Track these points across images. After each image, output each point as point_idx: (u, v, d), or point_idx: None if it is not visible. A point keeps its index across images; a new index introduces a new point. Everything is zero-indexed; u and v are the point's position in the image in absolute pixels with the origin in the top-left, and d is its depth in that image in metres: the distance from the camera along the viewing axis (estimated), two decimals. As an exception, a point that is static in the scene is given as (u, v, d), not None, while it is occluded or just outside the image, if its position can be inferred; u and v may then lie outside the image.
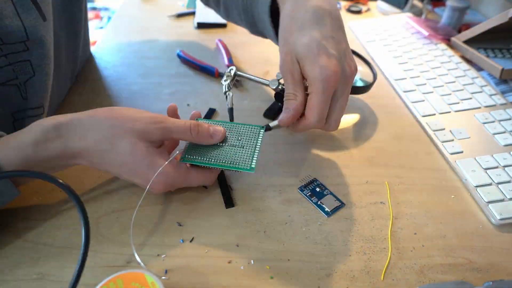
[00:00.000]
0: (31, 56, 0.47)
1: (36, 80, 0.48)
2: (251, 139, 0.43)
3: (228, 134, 0.43)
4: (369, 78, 0.59)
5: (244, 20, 0.56)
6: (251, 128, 0.44)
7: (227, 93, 0.49)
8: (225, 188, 0.45)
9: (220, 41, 0.74)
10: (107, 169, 0.40)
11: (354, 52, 0.63)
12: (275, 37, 0.49)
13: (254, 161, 0.41)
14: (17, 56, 0.46)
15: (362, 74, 0.60)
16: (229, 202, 0.44)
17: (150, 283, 0.32)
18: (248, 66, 0.69)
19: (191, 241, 0.40)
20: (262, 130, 0.44)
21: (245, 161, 0.41)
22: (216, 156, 0.42)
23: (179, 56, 0.70)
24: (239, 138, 0.43)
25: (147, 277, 0.33)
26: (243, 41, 0.76)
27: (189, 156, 0.42)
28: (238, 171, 0.41)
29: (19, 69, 0.47)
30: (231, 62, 0.69)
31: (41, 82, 0.49)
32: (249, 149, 0.42)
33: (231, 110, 0.47)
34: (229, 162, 0.41)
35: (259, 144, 0.42)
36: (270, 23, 0.49)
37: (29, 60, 0.47)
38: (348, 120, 0.58)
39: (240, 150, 0.42)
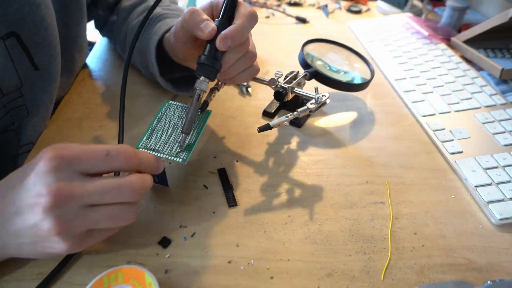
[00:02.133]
0: (25, 101, 0.49)
1: (29, 121, 0.50)
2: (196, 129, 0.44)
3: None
4: (367, 76, 0.59)
5: (140, 63, 0.58)
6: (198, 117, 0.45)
7: (214, 89, 0.49)
8: (227, 187, 0.45)
9: None
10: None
11: (352, 50, 0.63)
12: (158, 72, 0.52)
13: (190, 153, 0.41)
14: (14, 103, 0.48)
15: (360, 71, 0.60)
16: (232, 201, 0.44)
17: (147, 283, 0.32)
18: (248, 66, 0.69)
19: (192, 236, 0.40)
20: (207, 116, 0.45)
21: (182, 153, 0.41)
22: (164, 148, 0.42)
23: None
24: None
25: (146, 276, 0.33)
26: (243, 41, 0.75)
27: (145, 142, 0.42)
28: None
29: (15, 114, 0.49)
30: None
31: (33, 123, 0.50)
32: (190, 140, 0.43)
33: (205, 102, 0.47)
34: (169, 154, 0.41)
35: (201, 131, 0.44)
36: (154, 56, 0.51)
37: (24, 104, 0.49)
38: (348, 119, 0.58)
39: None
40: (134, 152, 0.34)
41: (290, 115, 0.45)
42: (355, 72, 0.60)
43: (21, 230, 0.31)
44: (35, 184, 0.30)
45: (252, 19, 0.42)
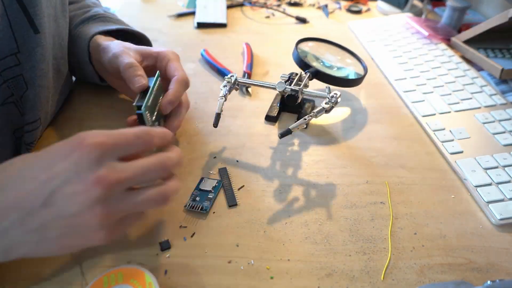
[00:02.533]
0: (22, 70, 0.46)
1: (30, 94, 0.47)
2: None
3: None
4: (360, 71, 0.60)
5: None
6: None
7: (220, 99, 0.50)
8: (228, 187, 0.46)
9: (247, 44, 0.73)
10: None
11: (344, 48, 0.63)
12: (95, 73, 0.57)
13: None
14: (10, 72, 0.44)
15: (353, 66, 0.61)
16: (232, 200, 0.44)
17: (147, 283, 0.32)
18: (248, 66, 0.69)
19: (192, 236, 0.40)
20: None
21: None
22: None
23: (202, 55, 0.70)
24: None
25: (146, 276, 0.33)
26: (243, 41, 0.75)
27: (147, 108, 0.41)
28: None
29: (14, 85, 0.45)
30: (249, 69, 0.67)
31: (35, 96, 0.47)
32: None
33: (218, 115, 0.48)
34: None
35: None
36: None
37: (21, 74, 0.46)
38: (347, 119, 0.58)
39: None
40: (153, 131, 0.35)
41: (308, 117, 0.46)
42: (349, 67, 0.60)
43: (48, 223, 0.30)
44: (78, 173, 0.29)
45: (186, 85, 0.49)
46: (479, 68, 0.67)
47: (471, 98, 0.60)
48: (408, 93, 0.62)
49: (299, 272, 0.38)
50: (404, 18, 0.83)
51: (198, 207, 0.43)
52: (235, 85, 0.53)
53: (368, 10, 0.93)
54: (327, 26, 0.85)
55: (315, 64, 0.57)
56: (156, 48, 0.52)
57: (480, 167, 0.48)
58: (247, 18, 0.88)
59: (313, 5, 0.94)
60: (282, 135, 0.45)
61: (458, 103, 0.59)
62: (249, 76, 0.66)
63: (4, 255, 0.30)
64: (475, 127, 0.55)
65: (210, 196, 0.44)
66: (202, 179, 0.46)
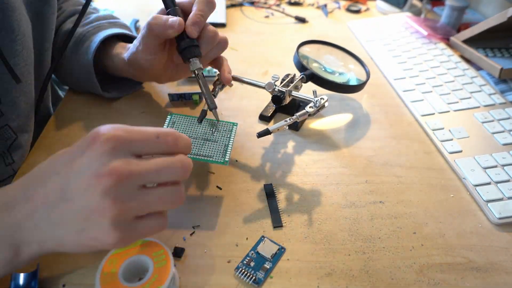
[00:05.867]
0: (8, 121, 0.45)
1: (22, 140, 0.47)
2: (225, 134, 0.45)
3: (202, 128, 0.45)
4: (363, 76, 0.59)
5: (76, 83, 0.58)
6: (225, 124, 0.46)
7: (215, 86, 0.50)
8: (274, 206, 0.44)
9: None
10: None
11: (347, 51, 0.63)
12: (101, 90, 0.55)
13: (227, 155, 0.43)
14: None
15: (355, 72, 0.60)
16: (277, 222, 0.42)
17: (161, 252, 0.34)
18: (247, 66, 0.69)
19: (191, 235, 0.40)
20: (235, 126, 0.46)
21: (219, 155, 0.43)
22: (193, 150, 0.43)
23: None
24: (213, 133, 0.45)
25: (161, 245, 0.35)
26: (243, 41, 0.75)
27: None
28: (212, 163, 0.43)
29: (0, 136, 0.45)
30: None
31: (26, 141, 0.47)
32: (222, 143, 0.44)
33: (204, 112, 0.47)
34: (205, 156, 0.43)
35: (232, 139, 0.45)
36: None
37: (7, 124, 0.45)
38: (347, 119, 0.58)
39: (214, 144, 0.44)
40: (179, 135, 0.34)
41: (289, 119, 0.45)
42: (350, 73, 0.60)
43: (67, 218, 0.30)
44: (91, 166, 0.29)
45: (210, 6, 0.46)
46: (478, 68, 0.67)
47: (470, 98, 0.60)
48: (407, 93, 0.62)
49: (299, 271, 0.38)
50: (403, 18, 0.83)
51: (251, 278, 0.37)
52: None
53: (367, 9, 0.93)
54: (326, 26, 0.85)
55: (317, 70, 0.56)
56: None
57: (479, 166, 0.48)
58: (247, 17, 0.88)
59: (313, 4, 0.94)
60: (260, 135, 0.44)
61: (457, 102, 0.59)
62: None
63: (37, 248, 0.31)
64: (474, 126, 0.55)
65: (267, 266, 0.38)
66: (262, 238, 0.40)
